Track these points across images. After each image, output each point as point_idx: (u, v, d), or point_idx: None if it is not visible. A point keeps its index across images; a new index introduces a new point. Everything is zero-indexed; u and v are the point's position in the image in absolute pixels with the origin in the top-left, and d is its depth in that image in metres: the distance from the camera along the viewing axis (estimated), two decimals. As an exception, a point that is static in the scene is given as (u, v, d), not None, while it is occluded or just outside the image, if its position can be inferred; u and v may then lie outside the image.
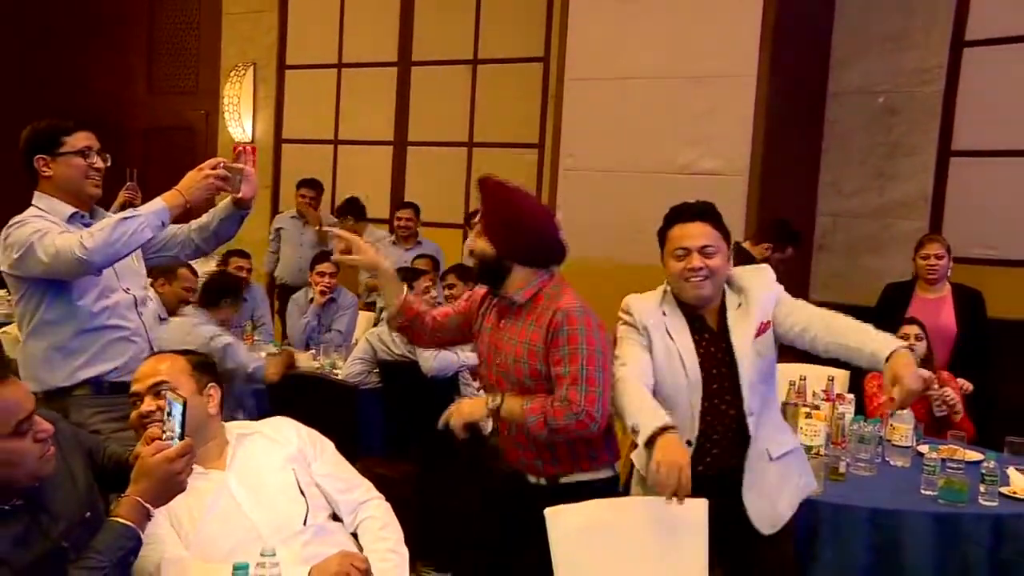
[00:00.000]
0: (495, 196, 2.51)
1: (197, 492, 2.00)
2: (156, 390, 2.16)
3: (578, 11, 5.72)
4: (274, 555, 1.83)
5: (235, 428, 2.28)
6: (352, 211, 6.57)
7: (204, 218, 2.91)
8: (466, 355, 4.18)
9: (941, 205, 5.54)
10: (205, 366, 2.29)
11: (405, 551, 2.20)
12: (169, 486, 1.82)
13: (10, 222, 2.68)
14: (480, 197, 2.54)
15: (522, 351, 2.46)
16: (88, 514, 1.90)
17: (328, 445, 2.32)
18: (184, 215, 2.74)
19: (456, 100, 7.21)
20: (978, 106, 5.42)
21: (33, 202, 2.73)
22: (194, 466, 1.88)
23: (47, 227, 2.61)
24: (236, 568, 1.78)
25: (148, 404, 2.15)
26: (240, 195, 2.77)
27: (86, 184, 2.72)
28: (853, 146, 5.75)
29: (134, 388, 2.22)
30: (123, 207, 6.38)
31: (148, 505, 1.80)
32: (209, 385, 2.24)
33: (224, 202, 2.86)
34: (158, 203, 2.63)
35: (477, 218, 2.63)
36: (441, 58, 7.29)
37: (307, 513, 2.13)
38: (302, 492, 2.15)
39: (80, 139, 2.72)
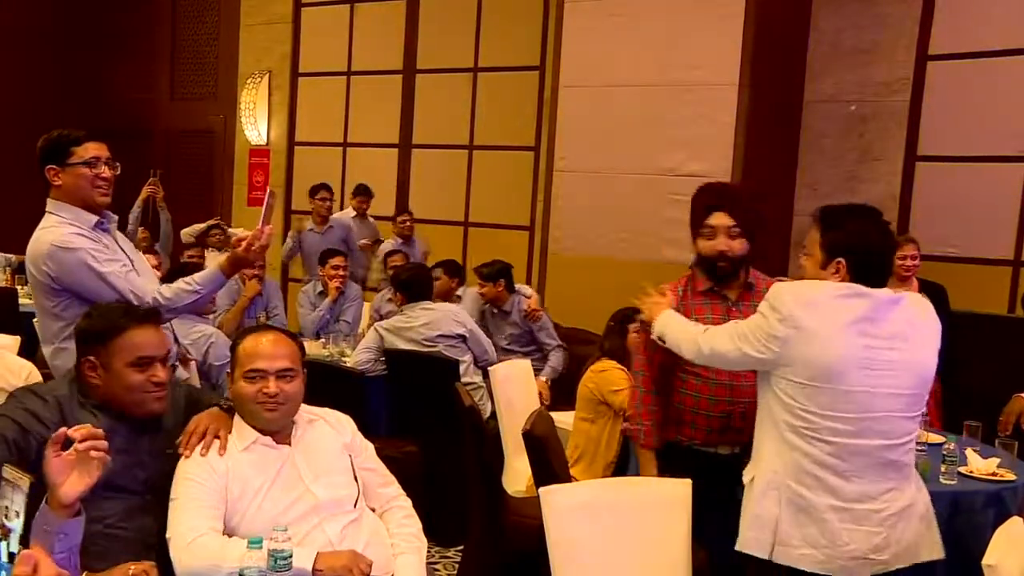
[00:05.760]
0: (750, 206, 2.69)
1: (268, 461, 2.09)
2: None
3: (572, 23, 5.71)
4: (286, 530, 1.83)
5: (304, 412, 2.27)
6: None
7: None
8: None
9: (908, 206, 5.55)
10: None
11: (424, 540, 2.25)
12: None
13: (47, 241, 2.53)
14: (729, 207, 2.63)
15: None
16: (169, 451, 2.11)
17: (370, 445, 2.34)
18: None
19: (458, 106, 7.19)
20: (941, 115, 5.43)
21: (51, 210, 2.62)
22: (266, 439, 2.11)
23: (111, 266, 2.55)
24: (251, 542, 1.78)
25: None
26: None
27: (94, 193, 2.60)
28: (827, 151, 5.75)
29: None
30: (145, 201, 6.36)
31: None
32: None
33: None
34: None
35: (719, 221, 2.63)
36: (444, 66, 7.27)
37: (358, 496, 2.16)
38: (355, 477, 2.19)
39: (89, 150, 2.59)
